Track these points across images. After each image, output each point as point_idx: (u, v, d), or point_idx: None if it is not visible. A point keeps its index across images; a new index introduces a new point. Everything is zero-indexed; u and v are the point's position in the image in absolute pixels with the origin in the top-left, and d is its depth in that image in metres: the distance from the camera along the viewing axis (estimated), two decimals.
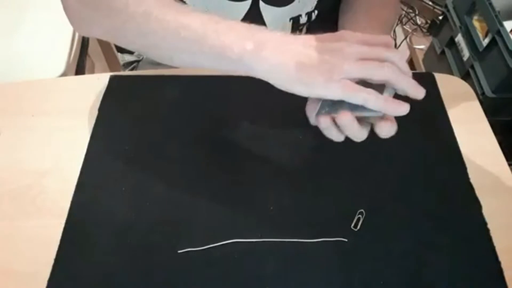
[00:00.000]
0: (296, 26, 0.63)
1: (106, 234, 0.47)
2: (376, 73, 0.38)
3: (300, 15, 0.61)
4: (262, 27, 0.42)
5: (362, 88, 0.38)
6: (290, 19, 0.62)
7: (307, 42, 0.40)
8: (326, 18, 0.63)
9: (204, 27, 0.41)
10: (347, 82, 0.38)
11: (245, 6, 0.59)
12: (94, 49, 1.12)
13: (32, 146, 0.55)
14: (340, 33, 0.41)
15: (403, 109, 0.39)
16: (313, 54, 0.39)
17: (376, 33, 0.53)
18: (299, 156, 0.54)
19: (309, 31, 0.66)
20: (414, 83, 0.40)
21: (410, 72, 0.41)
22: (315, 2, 0.60)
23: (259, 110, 0.52)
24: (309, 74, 0.38)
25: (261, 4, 0.58)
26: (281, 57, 0.39)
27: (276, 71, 0.39)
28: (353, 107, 0.39)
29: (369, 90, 0.38)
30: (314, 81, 0.38)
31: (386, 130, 0.42)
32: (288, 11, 0.60)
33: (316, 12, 0.62)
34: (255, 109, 0.57)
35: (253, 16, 0.60)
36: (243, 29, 0.41)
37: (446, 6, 1.26)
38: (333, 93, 0.38)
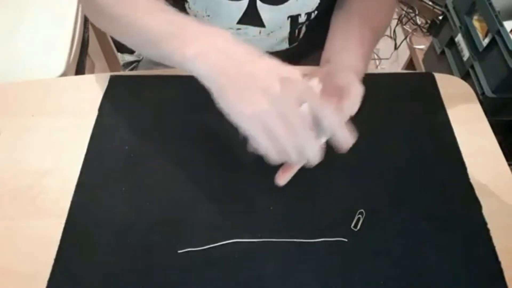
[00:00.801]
0: (294, 24, 0.63)
1: (106, 234, 0.47)
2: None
3: (299, 14, 0.61)
4: (214, 30, 0.43)
5: (262, 136, 0.39)
6: (288, 17, 0.62)
7: (244, 67, 0.39)
8: (325, 17, 0.63)
9: (159, 29, 0.44)
10: (257, 125, 0.39)
11: (243, 5, 0.59)
12: (94, 49, 1.12)
13: (32, 146, 0.55)
14: (286, 77, 0.39)
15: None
16: (241, 84, 0.39)
17: (366, 37, 0.55)
18: None
19: (308, 29, 0.67)
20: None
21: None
22: (317, 4, 0.60)
23: None
24: (228, 102, 0.40)
25: (258, 3, 0.59)
26: (210, 73, 0.41)
27: (206, 82, 0.41)
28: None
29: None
30: (231, 109, 0.40)
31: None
32: (285, 10, 0.60)
33: (316, 12, 0.62)
34: None
35: (251, 15, 0.60)
36: (189, 34, 0.43)
37: (446, 6, 1.26)
38: (244, 127, 0.40)
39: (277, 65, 0.40)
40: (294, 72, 0.40)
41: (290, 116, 0.38)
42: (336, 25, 0.58)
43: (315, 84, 0.47)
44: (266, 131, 0.39)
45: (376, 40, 0.58)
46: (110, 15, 0.49)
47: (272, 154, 0.40)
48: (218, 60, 0.41)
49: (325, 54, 0.55)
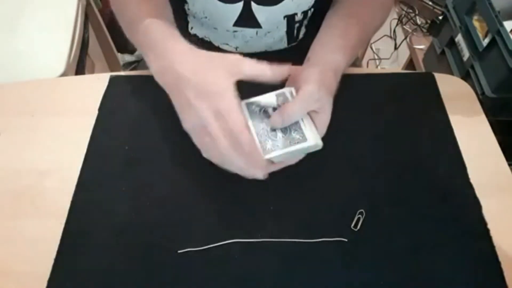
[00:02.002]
0: (291, 23, 0.63)
1: (106, 234, 0.47)
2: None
3: (295, 13, 0.61)
4: (177, 49, 0.45)
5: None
6: (285, 17, 0.62)
7: (185, 88, 0.43)
8: (323, 15, 0.63)
9: (144, 39, 0.49)
10: (195, 137, 0.44)
11: (238, 7, 0.59)
12: (94, 49, 1.12)
13: (32, 146, 0.55)
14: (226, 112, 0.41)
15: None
16: (181, 102, 0.44)
17: (350, 30, 0.53)
18: None
19: (308, 29, 0.66)
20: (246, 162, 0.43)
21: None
22: (312, 2, 0.60)
23: None
24: (179, 115, 0.45)
25: (253, 5, 0.59)
26: (165, 88, 0.46)
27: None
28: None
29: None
30: (181, 121, 0.45)
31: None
32: (281, 10, 0.60)
33: (312, 10, 0.62)
34: None
35: (246, 17, 0.60)
36: (157, 51, 0.47)
37: (446, 6, 1.26)
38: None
39: (208, 83, 0.42)
40: (227, 90, 0.41)
41: (213, 130, 0.41)
42: (324, 21, 0.57)
43: (288, 93, 0.47)
44: (201, 144, 0.44)
45: (366, 33, 0.57)
46: (119, 10, 0.55)
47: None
48: (169, 79, 0.45)
49: (308, 53, 0.54)
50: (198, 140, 0.44)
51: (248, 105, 0.47)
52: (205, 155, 0.44)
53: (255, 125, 0.45)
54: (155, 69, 0.47)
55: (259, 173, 0.43)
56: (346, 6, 0.57)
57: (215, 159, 0.44)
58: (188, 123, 0.44)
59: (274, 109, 0.46)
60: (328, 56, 0.50)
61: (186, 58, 0.44)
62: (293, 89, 0.47)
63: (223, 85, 0.41)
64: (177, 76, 0.43)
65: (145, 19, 0.49)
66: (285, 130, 0.45)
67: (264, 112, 0.46)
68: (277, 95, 0.46)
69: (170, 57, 0.45)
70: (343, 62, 0.50)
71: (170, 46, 0.46)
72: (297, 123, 0.45)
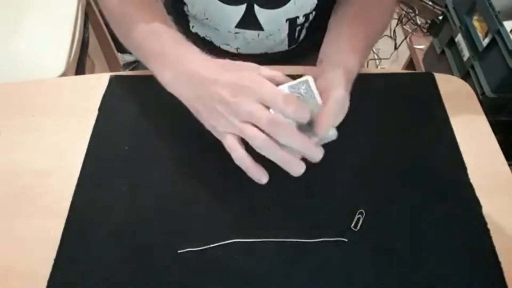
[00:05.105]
0: (293, 26, 0.63)
1: (106, 234, 0.47)
2: (252, 143, 0.40)
3: (297, 16, 0.61)
4: (189, 56, 0.46)
5: (238, 148, 0.41)
6: (287, 20, 0.61)
7: (208, 89, 0.42)
8: (324, 18, 0.63)
9: (148, 47, 0.49)
10: (229, 139, 0.42)
11: (241, 10, 0.59)
12: (94, 49, 1.12)
13: (32, 146, 0.55)
14: (247, 82, 0.40)
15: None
16: (208, 103, 0.42)
17: (360, 31, 0.53)
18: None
19: (309, 31, 0.66)
20: (303, 145, 0.40)
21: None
22: (314, 5, 0.60)
23: None
24: (201, 118, 0.44)
25: (256, 7, 0.59)
26: (185, 96, 0.45)
27: (183, 101, 0.46)
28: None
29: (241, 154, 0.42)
30: (205, 123, 0.44)
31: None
32: (283, 13, 0.60)
33: (314, 13, 0.62)
34: None
35: (249, 19, 0.60)
36: (167, 59, 0.47)
37: (446, 6, 1.26)
38: (221, 140, 0.43)
39: (239, 77, 0.41)
40: (259, 80, 0.40)
41: (255, 116, 0.39)
42: (330, 25, 0.57)
43: (306, 81, 0.44)
44: (240, 141, 0.42)
45: (373, 38, 0.57)
46: (114, 20, 0.55)
47: (248, 166, 0.42)
48: (187, 86, 0.44)
49: (319, 55, 0.53)
50: (248, 136, 0.40)
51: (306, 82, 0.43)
52: (260, 150, 0.41)
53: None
54: (169, 78, 0.46)
55: (318, 154, 0.41)
56: (353, 11, 0.56)
57: (267, 151, 0.40)
58: (224, 127, 0.42)
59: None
60: (345, 60, 0.49)
61: (206, 63, 0.44)
62: (310, 78, 0.44)
63: (257, 78, 0.40)
64: (202, 80, 0.42)
65: (147, 26, 0.50)
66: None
67: None
68: (299, 83, 0.43)
69: (187, 65, 0.44)
70: (356, 67, 0.50)
71: (184, 53, 0.46)
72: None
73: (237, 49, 0.67)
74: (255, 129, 0.39)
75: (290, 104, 0.38)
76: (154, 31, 0.50)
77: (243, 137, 0.41)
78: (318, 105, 0.43)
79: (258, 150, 0.40)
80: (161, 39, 0.49)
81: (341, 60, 0.48)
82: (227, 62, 0.44)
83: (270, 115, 0.39)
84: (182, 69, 0.45)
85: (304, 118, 0.39)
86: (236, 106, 0.40)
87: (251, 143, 0.40)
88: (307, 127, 0.42)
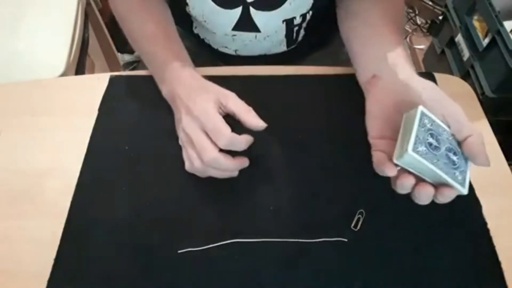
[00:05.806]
0: (290, 27, 0.63)
1: (106, 234, 0.47)
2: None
3: (294, 17, 0.61)
4: (182, 76, 0.53)
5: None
6: (283, 21, 0.61)
7: (185, 109, 0.50)
8: (321, 17, 0.62)
9: (152, 58, 0.58)
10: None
11: (236, 12, 0.59)
12: (94, 49, 1.12)
13: (32, 146, 0.55)
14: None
15: None
16: (179, 130, 0.51)
17: (395, 34, 0.51)
18: (299, 156, 0.54)
19: (307, 32, 0.66)
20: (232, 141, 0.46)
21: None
22: (310, 4, 0.60)
23: (259, 110, 0.52)
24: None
25: (252, 10, 0.58)
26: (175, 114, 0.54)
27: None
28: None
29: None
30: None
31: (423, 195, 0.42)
32: (279, 14, 0.60)
33: (311, 12, 0.62)
34: (255, 108, 0.57)
35: (245, 22, 0.60)
36: (165, 76, 0.54)
37: (446, 6, 1.26)
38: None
39: (207, 105, 0.47)
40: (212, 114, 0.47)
41: (198, 141, 0.47)
42: (357, 33, 0.55)
43: None
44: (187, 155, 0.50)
45: (399, 25, 0.55)
46: (120, 20, 0.61)
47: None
48: (172, 99, 0.53)
49: (368, 68, 0.50)
50: (184, 151, 0.50)
51: (423, 115, 0.41)
52: (188, 168, 0.49)
53: (418, 129, 0.40)
54: (165, 92, 0.55)
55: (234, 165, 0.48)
56: (380, 15, 0.54)
57: (197, 168, 0.48)
58: (180, 135, 0.51)
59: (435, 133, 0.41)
60: (406, 67, 0.47)
61: (184, 83, 0.52)
62: (423, 108, 0.41)
63: (207, 109, 0.47)
64: (177, 97, 0.51)
65: (153, 40, 0.57)
66: (451, 161, 0.41)
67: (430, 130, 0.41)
68: (420, 122, 0.41)
69: (175, 84, 0.52)
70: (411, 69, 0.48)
71: (175, 75, 0.53)
72: (467, 163, 0.42)
73: (235, 51, 0.67)
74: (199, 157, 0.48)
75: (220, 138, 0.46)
76: (156, 39, 0.57)
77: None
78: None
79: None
80: (162, 51, 0.56)
81: (408, 74, 0.46)
82: (202, 86, 0.51)
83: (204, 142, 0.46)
84: (170, 87, 0.53)
85: (239, 148, 0.46)
86: (185, 123, 0.49)
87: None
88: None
